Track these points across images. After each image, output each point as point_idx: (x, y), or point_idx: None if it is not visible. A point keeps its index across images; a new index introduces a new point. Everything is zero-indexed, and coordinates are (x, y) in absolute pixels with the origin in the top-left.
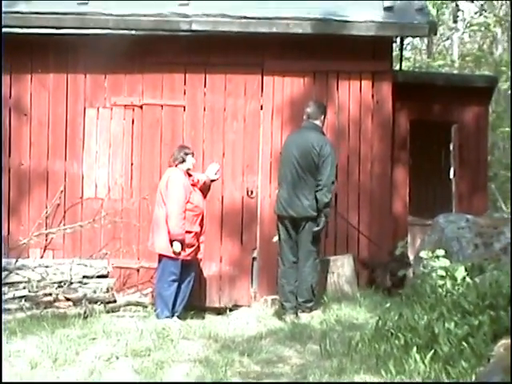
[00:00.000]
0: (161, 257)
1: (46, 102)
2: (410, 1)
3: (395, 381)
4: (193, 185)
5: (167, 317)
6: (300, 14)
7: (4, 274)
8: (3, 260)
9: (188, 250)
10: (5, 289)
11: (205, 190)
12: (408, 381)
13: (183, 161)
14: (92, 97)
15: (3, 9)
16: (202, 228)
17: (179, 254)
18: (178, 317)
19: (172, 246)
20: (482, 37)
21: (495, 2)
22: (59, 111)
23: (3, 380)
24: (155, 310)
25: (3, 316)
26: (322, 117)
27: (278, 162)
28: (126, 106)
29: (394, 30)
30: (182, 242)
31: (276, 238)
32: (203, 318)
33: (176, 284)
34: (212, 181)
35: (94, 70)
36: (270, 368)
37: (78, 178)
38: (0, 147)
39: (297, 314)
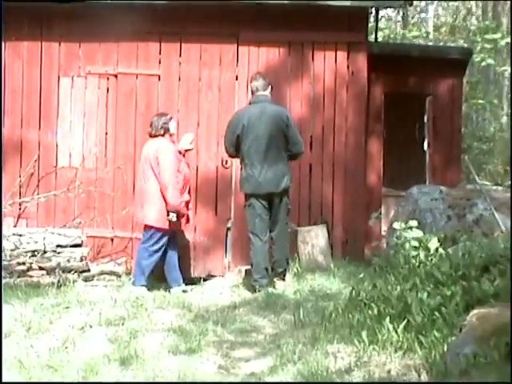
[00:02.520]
0: (147, 227)
1: (20, 71)
2: None
3: (368, 351)
4: (179, 153)
5: (143, 285)
6: None
7: None
8: None
9: (181, 220)
10: None
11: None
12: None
13: (166, 131)
14: (66, 65)
15: None
16: (190, 197)
17: (175, 224)
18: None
19: (168, 216)
20: (456, 9)
21: None
22: (33, 80)
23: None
24: (134, 277)
25: None
26: (270, 87)
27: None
28: (100, 74)
29: (369, 1)
30: (178, 212)
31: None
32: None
33: (158, 255)
34: (186, 151)
35: (69, 38)
36: (244, 337)
37: (52, 147)
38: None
39: (274, 287)
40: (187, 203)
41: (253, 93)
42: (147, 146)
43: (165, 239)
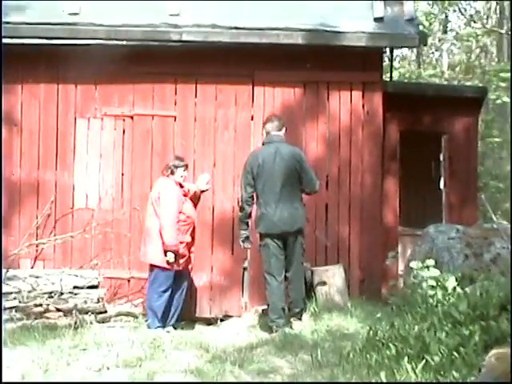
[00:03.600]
0: (152, 267)
1: (37, 113)
2: (401, 11)
3: None
4: (184, 195)
5: (158, 327)
6: (290, 25)
7: None
8: None
9: (180, 261)
10: None
11: (195, 200)
12: None
13: (172, 172)
14: (83, 107)
15: None
16: (193, 238)
17: (173, 264)
18: (173, 327)
19: (166, 256)
20: (470, 47)
21: (483, 14)
22: (50, 122)
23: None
24: (146, 321)
25: None
26: (284, 129)
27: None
28: (116, 116)
29: (384, 41)
30: (176, 253)
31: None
32: (194, 328)
33: (167, 295)
34: (202, 191)
35: (85, 80)
36: (262, 378)
37: (68, 189)
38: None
39: (291, 327)
40: (189, 245)
41: (267, 134)
42: (154, 186)
43: (170, 280)
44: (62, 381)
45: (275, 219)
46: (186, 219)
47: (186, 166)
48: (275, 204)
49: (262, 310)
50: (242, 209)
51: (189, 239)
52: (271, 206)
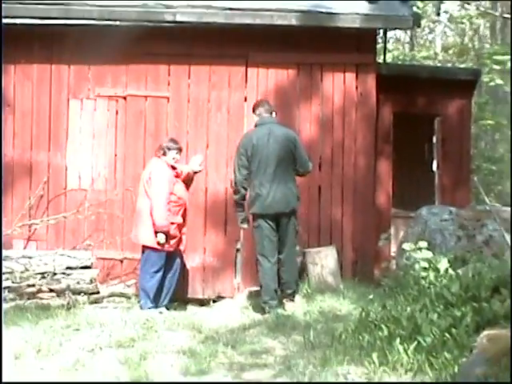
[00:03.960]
0: (144, 248)
1: (30, 93)
2: None
3: (378, 372)
4: (176, 176)
5: (150, 308)
6: (284, 6)
7: None
8: None
9: (171, 242)
10: None
11: (188, 181)
12: (391, 372)
13: (164, 153)
14: (76, 88)
15: None
16: (184, 219)
17: (163, 245)
18: (166, 307)
19: (157, 237)
20: (464, 30)
21: None
22: (43, 102)
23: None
24: (139, 302)
25: None
26: (274, 113)
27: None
28: (109, 97)
29: (378, 23)
30: (167, 234)
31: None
32: (186, 309)
33: (159, 275)
34: (195, 172)
35: (78, 60)
36: (254, 359)
37: (61, 169)
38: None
39: (283, 308)
40: (180, 226)
41: (259, 116)
42: (146, 166)
43: (162, 260)
44: (56, 364)
45: (269, 200)
46: (178, 200)
47: (180, 150)
48: (269, 184)
49: (255, 292)
50: (237, 191)
51: (180, 220)
52: (265, 187)
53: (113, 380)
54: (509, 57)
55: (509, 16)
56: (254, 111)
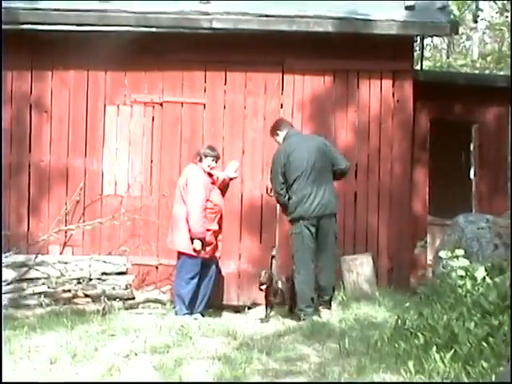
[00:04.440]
0: (180, 254)
1: (67, 99)
2: (432, 0)
3: (415, 380)
4: (212, 183)
5: (185, 314)
6: (321, 13)
7: (23, 269)
8: (23, 256)
9: (207, 249)
10: (24, 284)
11: (224, 188)
12: (427, 381)
13: (201, 159)
14: (112, 94)
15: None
16: (220, 226)
17: (199, 252)
18: (201, 314)
19: (192, 243)
20: (502, 37)
21: None
22: (79, 108)
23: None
24: (174, 308)
25: (23, 312)
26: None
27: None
28: (146, 103)
29: (415, 29)
30: (202, 240)
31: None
32: (221, 315)
33: (194, 282)
34: (231, 179)
35: (115, 67)
36: (289, 366)
37: (97, 175)
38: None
39: (319, 316)
40: (216, 233)
41: (284, 131)
42: (183, 172)
43: (197, 267)
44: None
45: (313, 202)
46: (214, 207)
47: (217, 158)
48: (311, 188)
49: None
50: (280, 195)
51: (216, 227)
52: (307, 190)
53: None
54: None
55: None
56: (274, 133)
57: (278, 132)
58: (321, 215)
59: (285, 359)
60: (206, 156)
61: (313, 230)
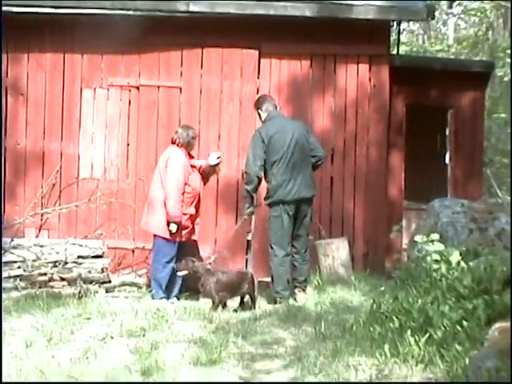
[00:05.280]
0: (155, 238)
1: (43, 82)
2: None
3: (389, 364)
4: (192, 166)
5: (162, 298)
6: None
7: None
8: None
9: (182, 232)
10: None
11: (205, 174)
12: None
13: (188, 144)
14: (89, 77)
15: None
16: (197, 211)
17: (175, 235)
18: (177, 298)
19: (168, 227)
20: (477, 22)
21: None
22: (56, 91)
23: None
24: (150, 292)
25: None
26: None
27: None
28: (122, 86)
29: (392, 14)
30: (179, 224)
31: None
32: (198, 299)
33: (171, 265)
34: (212, 166)
35: (91, 50)
36: (265, 349)
37: (73, 158)
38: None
39: (295, 299)
40: (192, 217)
41: (267, 111)
42: (163, 154)
43: (174, 251)
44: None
45: (292, 187)
46: (191, 191)
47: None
48: (290, 172)
49: (266, 283)
50: (251, 182)
51: (193, 211)
52: (287, 174)
53: (123, 369)
54: None
55: None
56: (259, 107)
57: (263, 108)
58: (299, 200)
59: (261, 343)
60: (194, 138)
61: (291, 213)
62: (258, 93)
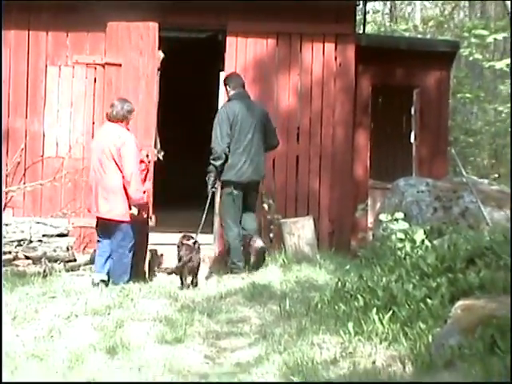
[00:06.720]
0: (120, 224)
1: (7, 59)
2: None
3: (354, 341)
4: None
5: (129, 281)
6: None
7: None
8: None
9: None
10: None
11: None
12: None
13: (125, 118)
14: (54, 54)
15: None
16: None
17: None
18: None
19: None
20: (443, 2)
21: None
22: (20, 68)
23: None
24: (112, 278)
25: None
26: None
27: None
28: (87, 64)
29: None
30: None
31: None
32: (160, 278)
33: (133, 248)
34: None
35: (56, 27)
36: (230, 328)
37: (38, 136)
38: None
39: (249, 271)
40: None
41: (234, 89)
42: (104, 134)
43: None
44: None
45: (245, 169)
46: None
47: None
48: (247, 154)
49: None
50: (218, 158)
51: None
52: (242, 156)
53: (88, 347)
54: (487, 32)
55: None
56: (227, 83)
57: (231, 86)
58: (251, 181)
59: (226, 321)
60: (130, 112)
61: (242, 192)
62: (223, 70)
